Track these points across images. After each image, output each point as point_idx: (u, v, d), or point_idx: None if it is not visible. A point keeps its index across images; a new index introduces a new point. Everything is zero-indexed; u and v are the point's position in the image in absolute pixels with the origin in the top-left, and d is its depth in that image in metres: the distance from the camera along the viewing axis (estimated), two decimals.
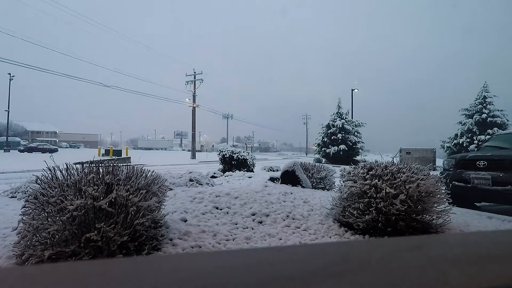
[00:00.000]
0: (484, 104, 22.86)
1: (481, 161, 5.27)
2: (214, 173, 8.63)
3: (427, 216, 3.26)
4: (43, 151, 34.40)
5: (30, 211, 2.26)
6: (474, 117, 22.84)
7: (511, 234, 0.86)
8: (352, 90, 29.50)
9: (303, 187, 5.71)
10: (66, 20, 32.87)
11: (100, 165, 2.53)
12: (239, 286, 0.34)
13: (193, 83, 33.16)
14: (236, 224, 3.34)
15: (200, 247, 2.70)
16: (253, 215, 3.65)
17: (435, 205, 3.26)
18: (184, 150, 70.01)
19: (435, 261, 0.42)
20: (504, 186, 4.81)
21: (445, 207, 3.30)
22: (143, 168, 2.93)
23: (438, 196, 3.28)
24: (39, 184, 2.34)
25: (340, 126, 26.92)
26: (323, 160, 26.07)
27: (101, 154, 26.33)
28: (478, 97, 23.41)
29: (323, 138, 28.02)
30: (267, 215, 3.66)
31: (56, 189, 2.28)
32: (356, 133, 27.88)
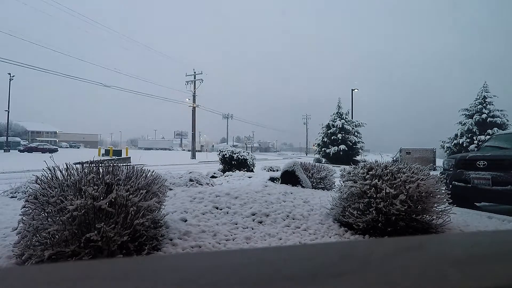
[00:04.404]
0: (484, 104, 22.86)
1: (481, 161, 5.27)
2: (214, 173, 8.63)
3: (427, 216, 3.26)
4: (43, 151, 34.36)
5: (30, 211, 2.26)
6: (474, 117, 22.84)
7: (511, 234, 0.86)
8: (352, 90, 29.51)
9: (303, 187, 5.71)
10: (66, 20, 32.93)
11: (100, 165, 2.53)
12: (239, 286, 0.34)
13: (193, 83, 33.18)
14: (236, 224, 3.34)
15: (200, 247, 2.70)
16: (253, 215, 3.65)
17: (435, 205, 3.26)
18: (184, 150, 69.91)
19: (435, 261, 0.42)
20: (504, 186, 4.81)
21: (445, 207, 3.30)
22: (143, 168, 2.93)
23: (438, 196, 3.28)
24: (39, 184, 2.34)
25: (340, 126, 26.92)
26: (323, 160, 26.07)
27: (101, 154, 26.34)
28: (478, 97, 23.41)
29: (323, 138, 28.03)
30: (267, 215, 3.66)
31: (56, 189, 2.28)
32: (356, 133, 27.88)
